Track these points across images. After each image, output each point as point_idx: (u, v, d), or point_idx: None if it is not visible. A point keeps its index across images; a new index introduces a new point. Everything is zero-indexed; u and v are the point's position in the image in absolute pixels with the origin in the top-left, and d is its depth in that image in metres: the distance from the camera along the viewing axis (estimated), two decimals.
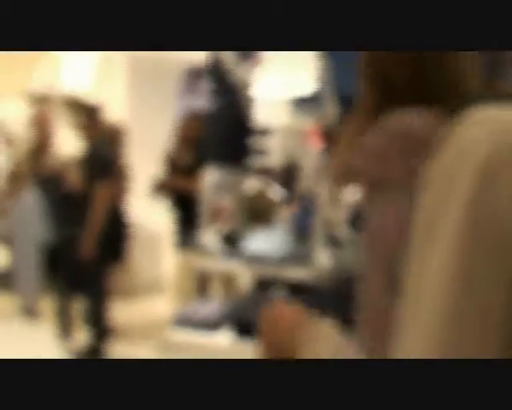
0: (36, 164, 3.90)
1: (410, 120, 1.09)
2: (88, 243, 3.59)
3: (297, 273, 2.98)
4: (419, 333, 0.55)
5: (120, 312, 4.80)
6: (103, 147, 3.80)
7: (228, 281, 3.77)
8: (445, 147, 0.57)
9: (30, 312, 3.80)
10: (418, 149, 0.91)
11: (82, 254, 3.60)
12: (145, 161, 6.18)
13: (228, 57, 3.15)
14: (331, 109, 2.92)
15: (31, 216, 3.72)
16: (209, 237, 3.24)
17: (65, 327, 3.88)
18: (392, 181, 1.05)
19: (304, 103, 8.83)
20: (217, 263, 3.18)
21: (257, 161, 9.35)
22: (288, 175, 7.58)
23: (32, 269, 3.75)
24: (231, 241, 3.27)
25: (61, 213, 3.76)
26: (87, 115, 3.76)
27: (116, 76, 8.43)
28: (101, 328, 3.85)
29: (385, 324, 0.83)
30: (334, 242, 3.22)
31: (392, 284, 0.88)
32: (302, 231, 3.46)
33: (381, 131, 1.10)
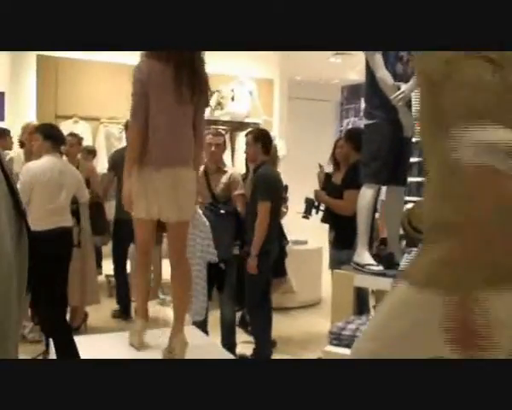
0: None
1: None
2: (254, 259, 3.81)
3: None
4: None
5: (282, 325, 4.98)
6: (267, 168, 4.01)
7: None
8: None
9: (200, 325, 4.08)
10: None
11: (249, 269, 3.83)
12: (301, 182, 6.35)
13: (385, 72, 3.15)
14: None
15: (198, 234, 4.02)
16: (367, 254, 3.24)
17: (229, 338, 4.13)
18: None
19: None
20: (374, 281, 3.18)
21: (416, 178, 9.01)
22: None
23: (200, 285, 4.04)
24: (388, 259, 3.25)
25: (225, 231, 4.03)
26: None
27: (275, 98, 8.79)
28: (264, 340, 4.04)
29: None
30: None
31: None
32: None
33: None
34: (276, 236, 4.11)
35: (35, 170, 3.82)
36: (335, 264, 4.05)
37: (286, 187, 4.69)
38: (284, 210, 4.55)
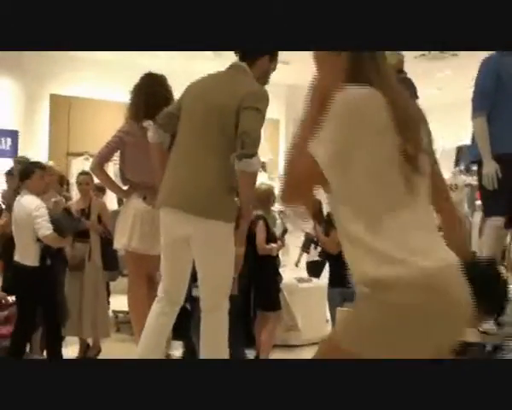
0: None
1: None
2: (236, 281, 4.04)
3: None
4: None
5: None
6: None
7: None
8: None
9: None
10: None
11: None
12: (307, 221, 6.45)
13: None
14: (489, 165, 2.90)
15: None
16: None
17: None
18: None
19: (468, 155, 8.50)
20: None
21: None
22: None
23: None
24: None
25: None
26: None
27: (281, 138, 8.98)
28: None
29: None
30: None
31: None
32: None
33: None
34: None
35: None
36: (329, 302, 4.20)
37: (285, 230, 4.87)
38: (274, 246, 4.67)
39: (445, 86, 4.63)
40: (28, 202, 3.98)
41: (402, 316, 1.40)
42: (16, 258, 4.05)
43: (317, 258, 6.38)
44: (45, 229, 3.90)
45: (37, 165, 4.26)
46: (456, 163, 8.87)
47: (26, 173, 4.11)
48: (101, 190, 5.88)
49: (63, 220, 4.13)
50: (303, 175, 1.46)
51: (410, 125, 1.45)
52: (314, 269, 6.39)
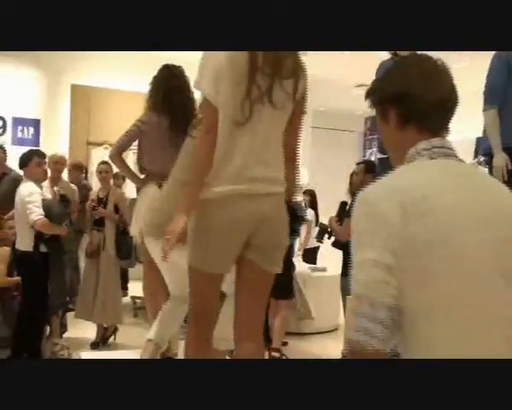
0: None
1: None
2: None
3: None
4: None
5: (297, 349, 5.10)
6: None
7: None
8: None
9: None
10: None
11: None
12: (323, 211, 6.49)
13: None
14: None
15: None
16: None
17: None
18: None
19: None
20: None
21: None
22: None
23: None
24: None
25: None
26: None
27: None
28: None
29: None
30: None
31: None
32: None
33: None
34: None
35: None
36: (342, 291, 4.28)
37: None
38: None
39: (463, 77, 4.59)
40: (23, 189, 4.03)
41: (202, 226, 1.92)
42: (16, 244, 4.13)
43: (312, 246, 6.72)
44: (35, 215, 3.92)
45: (36, 152, 4.28)
46: (475, 154, 8.77)
47: (23, 161, 4.16)
48: (121, 178, 6.02)
49: (55, 207, 4.11)
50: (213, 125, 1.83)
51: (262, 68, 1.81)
52: (309, 256, 6.70)
